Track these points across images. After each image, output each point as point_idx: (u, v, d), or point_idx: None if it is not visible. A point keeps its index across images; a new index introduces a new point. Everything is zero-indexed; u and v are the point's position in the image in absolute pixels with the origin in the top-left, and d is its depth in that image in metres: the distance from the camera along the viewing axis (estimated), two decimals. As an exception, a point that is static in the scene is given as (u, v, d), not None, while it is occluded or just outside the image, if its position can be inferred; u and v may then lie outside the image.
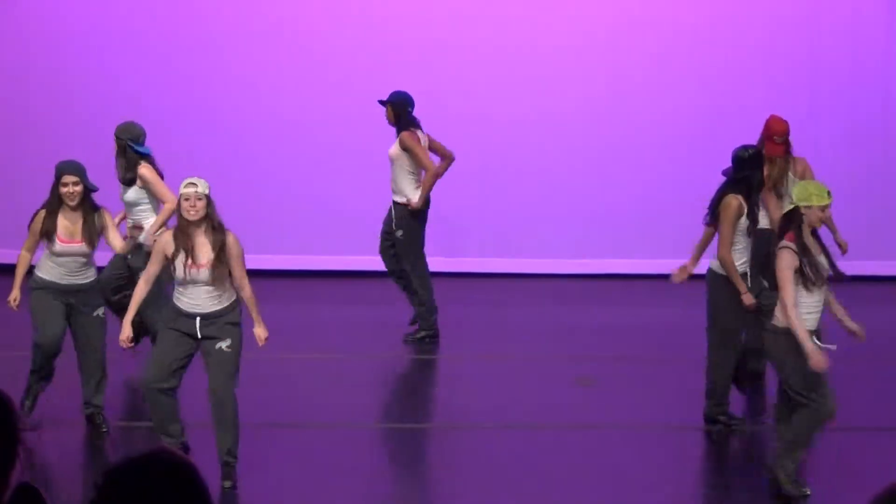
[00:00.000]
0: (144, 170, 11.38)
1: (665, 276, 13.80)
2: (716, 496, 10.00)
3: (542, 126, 16.28)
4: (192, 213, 9.21)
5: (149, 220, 11.45)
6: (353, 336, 13.46)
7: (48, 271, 10.35)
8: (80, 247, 10.21)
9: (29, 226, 10.37)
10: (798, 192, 9.53)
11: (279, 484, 9.76)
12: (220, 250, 9.25)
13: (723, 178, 11.23)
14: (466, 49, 16.35)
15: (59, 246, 10.21)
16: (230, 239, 9.32)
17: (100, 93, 16.24)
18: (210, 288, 9.33)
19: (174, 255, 9.24)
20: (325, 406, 11.64)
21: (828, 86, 16.52)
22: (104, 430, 10.52)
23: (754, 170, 11.13)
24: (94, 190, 10.33)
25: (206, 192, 9.28)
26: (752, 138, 15.49)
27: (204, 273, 9.26)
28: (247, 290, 9.45)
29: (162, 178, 11.49)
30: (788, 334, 9.35)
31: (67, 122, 16.27)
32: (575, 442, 10.95)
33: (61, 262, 10.29)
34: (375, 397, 12.42)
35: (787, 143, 12.36)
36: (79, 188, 10.12)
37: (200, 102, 16.53)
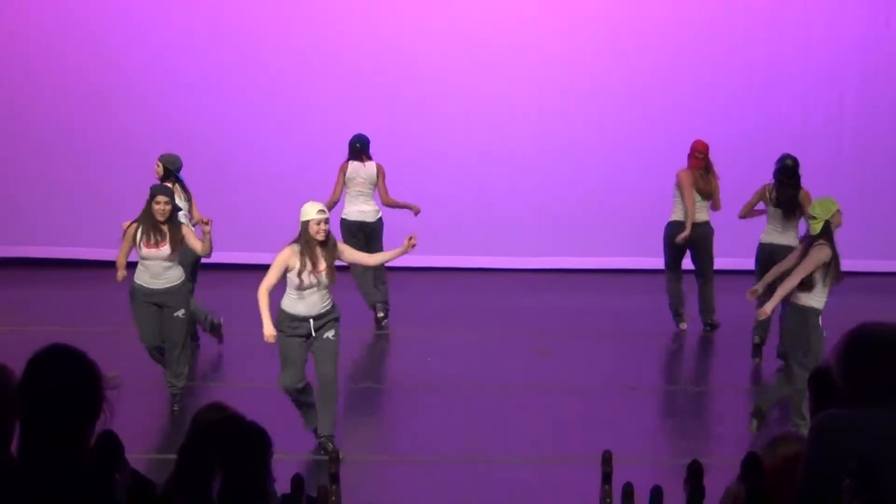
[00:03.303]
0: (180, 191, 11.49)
1: (612, 271, 13.80)
2: (647, 441, 9.96)
3: (520, 139, 15.89)
4: (320, 235, 9.13)
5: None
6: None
7: (139, 276, 10.34)
8: (164, 251, 10.19)
9: (123, 235, 10.37)
10: (821, 210, 9.63)
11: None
12: (334, 260, 9.21)
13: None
14: (444, 59, 15.89)
15: (145, 251, 10.21)
16: (340, 246, 9.34)
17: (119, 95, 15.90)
18: (324, 293, 9.22)
19: (298, 267, 9.11)
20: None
21: (756, 93, 16.04)
22: (175, 408, 10.38)
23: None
24: (179, 210, 10.50)
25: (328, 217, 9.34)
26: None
27: (325, 279, 9.16)
28: (374, 257, 9.78)
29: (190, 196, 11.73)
30: (807, 310, 9.54)
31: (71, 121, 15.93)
32: (530, 399, 10.93)
33: (148, 266, 10.26)
34: (371, 363, 12.47)
35: (706, 160, 12.51)
36: (168, 206, 10.18)
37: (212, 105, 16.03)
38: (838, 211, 9.72)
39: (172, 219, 10.24)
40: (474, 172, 15.95)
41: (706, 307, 12.89)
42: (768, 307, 9.66)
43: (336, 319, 9.33)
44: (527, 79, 15.95)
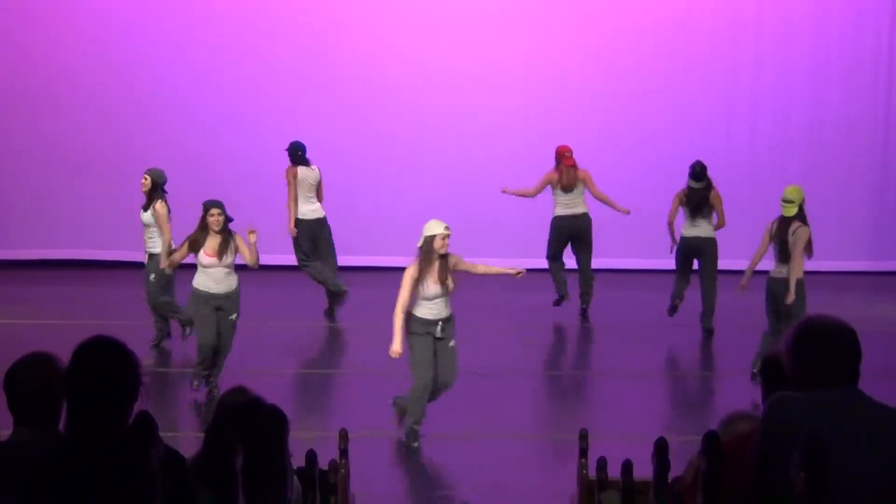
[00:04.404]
0: (160, 206, 11.22)
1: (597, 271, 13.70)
2: (619, 420, 9.97)
3: (510, 147, 15.55)
4: (444, 249, 8.99)
5: (158, 238, 11.28)
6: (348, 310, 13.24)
7: (201, 282, 10.07)
8: (223, 259, 9.97)
9: (181, 245, 10.15)
10: (796, 195, 10.26)
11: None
12: (449, 269, 9.07)
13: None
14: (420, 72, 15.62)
15: (206, 260, 9.97)
16: (453, 257, 9.14)
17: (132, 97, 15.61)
18: (447, 299, 9.12)
19: (424, 279, 8.99)
20: (326, 358, 11.74)
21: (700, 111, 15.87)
22: (214, 391, 10.20)
23: None
24: (231, 220, 10.12)
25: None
26: (652, 151, 14.98)
27: (447, 287, 9.05)
28: (479, 268, 9.34)
29: (169, 210, 11.29)
30: (800, 281, 10.17)
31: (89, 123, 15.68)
32: (516, 383, 10.92)
33: (209, 272, 10.01)
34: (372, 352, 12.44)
35: (573, 159, 13.06)
36: (222, 217, 9.96)
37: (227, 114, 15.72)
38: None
39: (226, 228, 10.01)
40: (469, 179, 15.73)
41: (587, 292, 13.31)
42: (790, 293, 10.13)
43: (454, 326, 9.24)
44: (521, 82, 15.79)
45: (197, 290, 10.08)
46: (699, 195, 12.15)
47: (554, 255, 13.28)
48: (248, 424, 4.49)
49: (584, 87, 15.83)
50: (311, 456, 5.29)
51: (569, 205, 13.05)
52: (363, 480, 8.14)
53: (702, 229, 12.25)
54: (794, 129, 16.07)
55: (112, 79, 15.68)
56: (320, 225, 13.06)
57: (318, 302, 13.30)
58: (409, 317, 9.08)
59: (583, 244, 13.18)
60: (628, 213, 13.16)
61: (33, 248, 15.90)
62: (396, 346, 8.96)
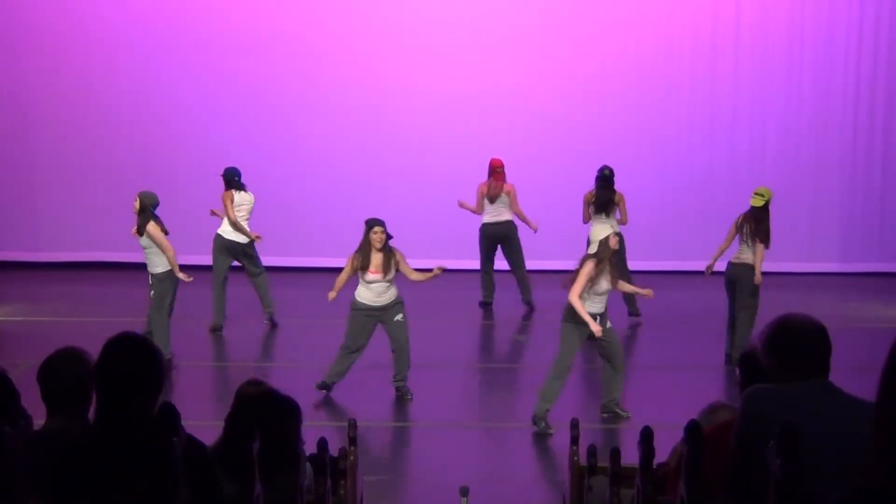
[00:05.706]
0: (152, 228, 10.71)
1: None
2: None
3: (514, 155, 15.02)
4: (616, 245, 9.06)
5: (156, 259, 10.78)
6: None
7: (363, 295, 9.82)
8: (382, 275, 9.73)
9: (349, 261, 9.80)
10: (766, 191, 10.99)
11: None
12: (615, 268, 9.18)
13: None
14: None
15: (370, 276, 9.72)
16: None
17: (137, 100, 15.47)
18: (608, 296, 9.17)
19: (599, 276, 9.00)
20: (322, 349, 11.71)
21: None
22: (408, 397, 9.97)
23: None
24: (391, 237, 9.84)
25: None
26: (640, 167, 14.89)
27: (612, 285, 9.09)
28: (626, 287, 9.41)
29: (166, 231, 10.80)
30: (752, 266, 10.84)
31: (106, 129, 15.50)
32: (510, 377, 10.90)
33: (372, 287, 9.75)
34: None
35: (503, 173, 13.35)
36: (384, 235, 9.67)
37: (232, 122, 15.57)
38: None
39: (387, 245, 9.74)
40: (456, 187, 15.35)
41: (524, 289, 13.47)
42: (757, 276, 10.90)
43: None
44: (509, 103, 15.65)
45: (358, 302, 9.81)
46: (606, 196, 12.65)
47: (483, 261, 13.46)
48: (263, 414, 4.49)
49: (571, 111, 15.70)
50: (323, 443, 5.28)
51: (493, 213, 13.28)
52: (370, 467, 8.14)
53: (610, 226, 12.65)
54: (770, 141, 16.06)
55: (126, 89, 15.56)
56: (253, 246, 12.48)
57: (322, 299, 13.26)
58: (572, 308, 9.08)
59: (510, 248, 13.31)
60: (536, 229, 13.28)
61: (62, 250, 15.86)
62: (597, 327, 9.00)
